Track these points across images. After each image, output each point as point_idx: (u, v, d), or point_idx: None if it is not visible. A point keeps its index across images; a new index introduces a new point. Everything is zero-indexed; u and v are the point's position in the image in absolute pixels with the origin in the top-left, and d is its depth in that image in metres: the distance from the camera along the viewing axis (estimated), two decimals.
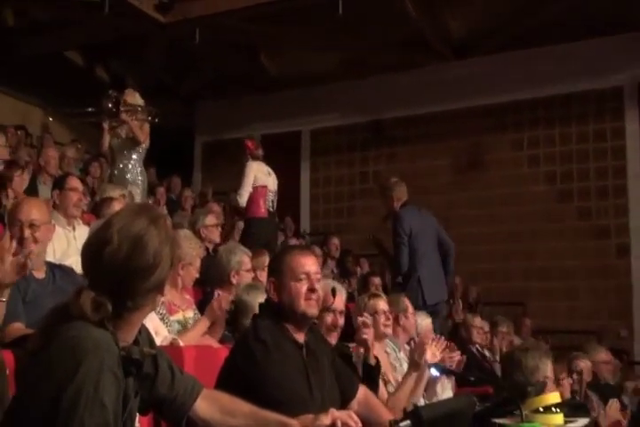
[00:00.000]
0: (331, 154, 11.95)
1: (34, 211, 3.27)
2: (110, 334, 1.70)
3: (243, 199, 6.78)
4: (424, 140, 11.16)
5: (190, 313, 4.05)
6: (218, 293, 4.11)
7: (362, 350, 3.51)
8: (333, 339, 3.55)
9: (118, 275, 1.71)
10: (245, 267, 4.65)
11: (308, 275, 2.64)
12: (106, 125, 6.43)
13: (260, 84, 11.93)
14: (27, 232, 3.19)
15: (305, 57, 11.22)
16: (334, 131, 11.95)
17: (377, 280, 7.19)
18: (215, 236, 5.84)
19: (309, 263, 2.67)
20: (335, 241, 8.85)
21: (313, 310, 2.65)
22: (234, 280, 4.59)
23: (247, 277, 4.64)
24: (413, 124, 11.32)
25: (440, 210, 10.77)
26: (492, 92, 10.54)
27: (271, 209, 6.98)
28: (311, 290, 2.63)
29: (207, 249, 5.73)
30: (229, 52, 11.16)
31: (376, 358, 3.57)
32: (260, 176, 6.95)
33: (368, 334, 3.57)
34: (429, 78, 10.86)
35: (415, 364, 3.62)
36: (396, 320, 4.55)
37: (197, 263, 4.10)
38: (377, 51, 10.80)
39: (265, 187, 6.96)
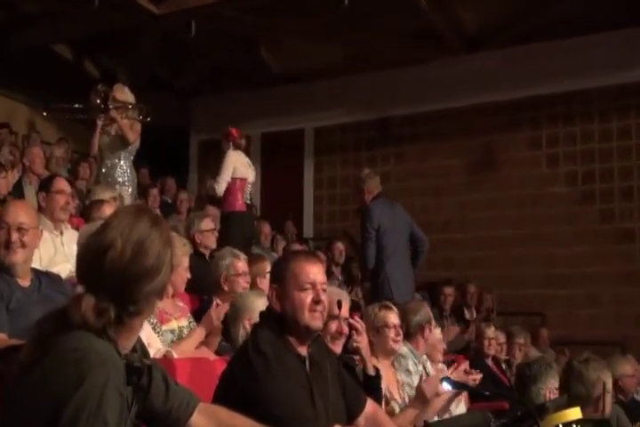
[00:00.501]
0: (335, 153, 11.95)
1: (22, 214, 3.27)
2: (112, 345, 1.71)
3: (221, 188, 6.87)
4: (434, 139, 11.15)
5: (184, 322, 4.02)
6: (216, 302, 4.09)
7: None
8: (338, 347, 3.55)
9: (121, 279, 1.73)
10: (235, 271, 4.60)
11: (313, 284, 2.62)
12: (100, 123, 6.43)
13: (260, 79, 11.94)
14: (14, 236, 3.18)
15: (308, 50, 11.23)
16: (339, 129, 11.94)
17: None
18: (211, 241, 5.82)
19: (315, 272, 2.65)
20: (340, 246, 8.85)
21: (317, 323, 2.63)
22: (225, 287, 4.56)
23: (240, 284, 4.59)
24: (422, 121, 11.31)
25: (452, 212, 10.81)
26: (507, 87, 10.53)
27: (248, 202, 7.10)
28: (316, 302, 2.61)
29: (203, 255, 5.73)
30: (227, 44, 11.17)
31: (376, 368, 3.56)
32: (239, 167, 7.03)
33: (360, 342, 3.56)
34: (440, 73, 10.86)
35: (424, 400, 3.53)
36: (421, 332, 4.54)
37: (186, 263, 4.07)
38: (384, 44, 10.80)
39: (244, 179, 7.06)
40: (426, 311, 4.69)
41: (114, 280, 1.73)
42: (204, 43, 10.67)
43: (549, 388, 3.63)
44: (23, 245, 3.23)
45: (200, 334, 3.76)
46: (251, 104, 12.09)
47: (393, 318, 4.20)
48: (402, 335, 4.24)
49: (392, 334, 4.14)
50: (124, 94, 6.56)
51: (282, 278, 2.64)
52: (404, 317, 4.98)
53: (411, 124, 11.42)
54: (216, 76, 12.14)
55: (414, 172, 11.22)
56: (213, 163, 7.09)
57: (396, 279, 6.23)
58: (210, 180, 7.02)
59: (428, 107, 11.10)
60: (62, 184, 4.81)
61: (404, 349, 4.87)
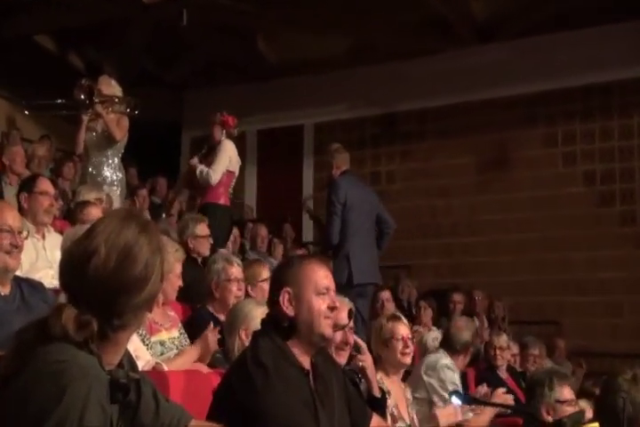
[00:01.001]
0: None
1: (17, 216, 3.33)
2: (96, 358, 1.69)
3: (217, 176, 6.85)
4: (442, 136, 11.16)
5: (175, 333, 4.00)
6: (212, 323, 4.06)
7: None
8: (343, 358, 3.55)
9: (105, 290, 1.72)
10: (227, 277, 4.54)
11: (328, 290, 2.63)
12: (85, 119, 6.41)
13: (257, 71, 11.95)
14: (19, 240, 3.24)
15: (308, 41, 11.24)
16: (341, 125, 11.95)
17: (386, 295, 7.19)
18: (204, 249, 5.78)
19: (329, 277, 2.66)
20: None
21: (330, 332, 2.63)
22: (216, 293, 4.54)
23: (232, 290, 4.52)
24: (431, 117, 11.32)
25: (461, 215, 10.82)
26: (520, 80, 10.53)
27: (231, 196, 7.19)
28: (331, 308, 2.61)
29: (195, 260, 5.72)
30: (221, 35, 11.19)
31: (382, 390, 3.56)
32: (233, 159, 7.04)
33: (365, 361, 3.56)
34: (448, 66, 10.87)
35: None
36: (465, 352, 4.58)
37: (178, 270, 4.04)
38: (389, 34, 10.81)
39: (233, 173, 7.08)
40: (474, 331, 4.77)
41: (97, 290, 1.72)
42: (196, 33, 10.70)
43: (560, 400, 3.63)
44: (21, 250, 3.31)
45: (194, 353, 3.73)
46: (246, 98, 12.09)
47: (402, 329, 4.20)
48: (412, 348, 4.23)
49: (400, 346, 4.14)
50: (111, 87, 6.53)
51: (296, 281, 2.61)
52: (449, 333, 5.06)
53: (417, 121, 11.44)
54: (209, 69, 12.16)
55: (421, 171, 11.23)
56: (205, 161, 7.07)
57: (357, 258, 6.30)
58: (200, 165, 6.95)
59: (435, 102, 11.12)
60: (46, 185, 4.80)
61: (446, 360, 4.89)
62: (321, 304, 2.59)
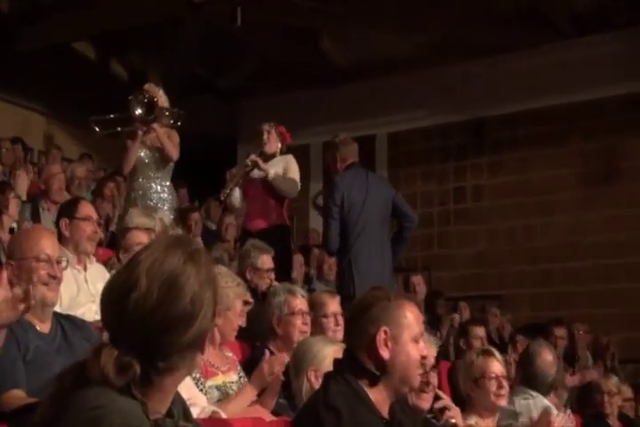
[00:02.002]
0: (415, 164, 11.97)
1: (47, 244, 3.42)
2: (140, 404, 1.71)
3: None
4: (539, 144, 11.09)
5: (233, 376, 4.03)
6: (267, 351, 4.11)
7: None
8: (426, 402, 3.55)
9: (147, 327, 1.72)
10: (291, 310, 4.57)
11: (421, 337, 2.67)
12: (140, 133, 6.56)
13: (321, 76, 12.04)
14: (55, 269, 3.34)
15: (380, 39, 11.29)
16: (419, 134, 11.97)
17: (481, 332, 7.15)
18: (264, 283, 5.83)
19: (421, 322, 2.70)
20: (416, 280, 8.84)
21: (417, 383, 2.68)
22: (278, 330, 4.59)
23: (297, 325, 4.55)
24: (524, 122, 11.26)
25: (564, 235, 10.69)
26: (631, 77, 10.41)
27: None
28: (423, 357, 2.67)
29: (254, 292, 5.79)
30: (280, 36, 11.31)
31: None
32: None
33: (454, 416, 3.55)
34: (544, 62, 10.82)
35: None
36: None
37: (239, 307, 4.09)
38: (475, 29, 10.81)
39: None
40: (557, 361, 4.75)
41: (138, 328, 1.72)
42: (252, 34, 10.83)
43: None
44: (60, 282, 3.41)
45: (250, 393, 3.76)
46: (310, 107, 12.21)
47: (495, 366, 4.19)
48: (507, 388, 4.21)
49: (494, 387, 4.13)
50: (161, 97, 6.70)
51: (395, 322, 2.62)
52: (533, 368, 5.01)
53: (510, 127, 11.40)
54: (268, 75, 12.28)
55: (514, 186, 11.16)
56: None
57: (361, 264, 6.27)
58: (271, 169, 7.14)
59: (529, 104, 11.07)
60: (88, 209, 4.88)
61: (545, 401, 4.85)
62: (416, 352, 2.62)
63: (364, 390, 2.57)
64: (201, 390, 3.73)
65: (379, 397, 2.59)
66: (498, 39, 10.92)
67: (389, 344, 2.59)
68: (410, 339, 2.61)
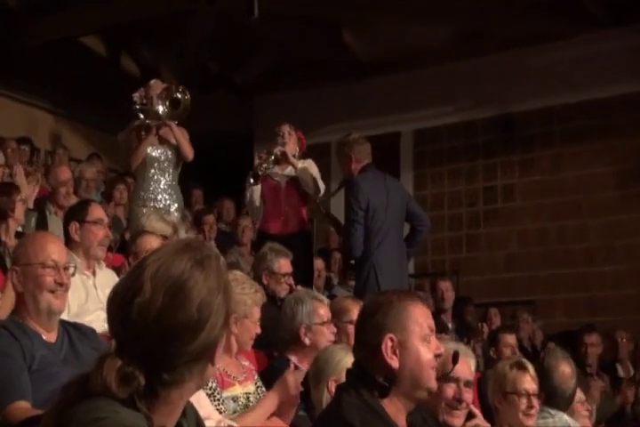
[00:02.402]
0: (442, 163, 11.97)
1: (64, 250, 3.47)
2: (144, 418, 1.70)
3: None
4: (573, 141, 11.05)
5: (251, 387, 4.04)
6: (293, 363, 4.11)
7: None
8: (457, 420, 3.51)
9: (151, 336, 1.71)
10: (320, 319, 4.62)
11: (432, 332, 2.65)
12: (154, 128, 6.63)
13: (342, 70, 12.06)
14: (62, 276, 3.37)
15: (403, 32, 11.30)
16: (446, 131, 11.96)
17: (512, 339, 7.13)
18: (282, 289, 5.86)
19: (431, 317, 2.68)
20: (444, 285, 8.81)
21: (436, 384, 2.65)
22: (306, 340, 4.61)
23: (326, 335, 4.61)
24: (558, 117, 11.23)
25: (599, 236, 10.64)
26: None
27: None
28: (437, 356, 2.63)
29: (271, 298, 5.80)
30: (300, 29, 11.31)
31: None
32: None
33: None
34: (579, 54, 10.79)
35: None
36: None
37: (257, 315, 4.12)
38: (505, 18, 10.78)
39: None
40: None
41: (142, 337, 1.71)
42: (269, 27, 10.85)
43: None
44: (67, 289, 3.43)
45: (271, 404, 3.77)
46: (330, 103, 12.22)
47: (528, 383, 4.14)
48: (537, 408, 4.15)
49: (524, 405, 4.09)
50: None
51: (401, 326, 2.60)
52: (552, 382, 4.94)
53: (541, 122, 11.37)
54: (285, 69, 12.31)
55: (547, 185, 11.13)
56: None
57: (385, 271, 6.31)
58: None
59: (563, 98, 11.05)
60: (99, 212, 4.90)
61: (570, 422, 4.79)
62: (427, 353, 2.60)
63: (378, 401, 2.56)
64: (217, 400, 3.74)
65: (392, 408, 2.57)
66: (529, 30, 10.89)
67: (397, 352, 2.57)
68: (419, 341, 2.59)
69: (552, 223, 10.88)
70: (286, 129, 7.42)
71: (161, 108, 6.60)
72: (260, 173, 7.22)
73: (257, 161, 7.33)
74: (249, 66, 12.58)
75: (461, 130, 11.89)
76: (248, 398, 3.98)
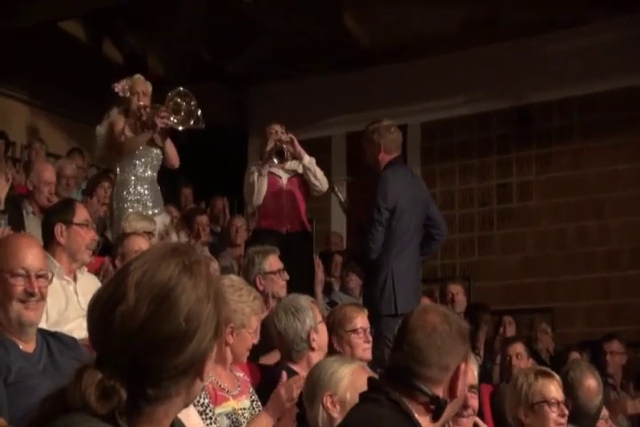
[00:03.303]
0: (452, 158, 11.97)
1: (39, 256, 3.44)
2: None
3: None
4: (594, 135, 11.06)
5: (245, 402, 4.04)
6: (285, 373, 4.10)
7: None
8: None
9: (134, 347, 1.70)
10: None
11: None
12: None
13: (345, 58, 12.08)
14: (35, 285, 3.34)
15: (410, 17, 11.31)
16: (457, 124, 11.97)
17: (519, 347, 7.15)
18: (279, 287, 5.87)
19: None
20: (455, 288, 8.83)
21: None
22: (314, 345, 4.58)
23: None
24: (577, 109, 11.24)
25: (623, 238, 10.64)
26: None
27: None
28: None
29: (268, 304, 5.81)
30: (297, 13, 11.32)
31: None
32: None
33: None
34: (600, 41, 10.79)
35: None
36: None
37: (254, 324, 4.11)
38: (519, 3, 10.80)
39: None
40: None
41: (125, 348, 1.69)
42: (265, 11, 10.86)
43: None
44: (42, 298, 3.39)
45: (265, 422, 3.78)
46: (331, 94, 12.23)
47: (555, 390, 4.18)
48: (567, 416, 4.19)
49: (555, 413, 4.12)
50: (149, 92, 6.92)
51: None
52: (576, 398, 4.94)
53: (560, 115, 11.38)
54: (282, 57, 12.31)
55: (566, 182, 11.13)
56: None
57: (403, 279, 6.20)
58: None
59: (584, 89, 11.05)
60: (86, 213, 4.90)
61: None
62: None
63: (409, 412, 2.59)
64: (210, 418, 3.73)
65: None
66: (547, 14, 10.90)
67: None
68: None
69: (571, 224, 10.88)
70: (277, 128, 7.44)
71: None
72: (285, 151, 7.28)
73: (276, 136, 7.34)
74: (243, 54, 12.57)
75: (473, 123, 11.89)
76: (243, 414, 3.96)
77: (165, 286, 1.72)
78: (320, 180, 7.29)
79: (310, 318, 4.61)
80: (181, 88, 6.80)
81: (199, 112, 6.73)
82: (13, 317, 3.31)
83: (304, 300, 4.85)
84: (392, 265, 6.23)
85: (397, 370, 2.69)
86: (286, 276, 5.96)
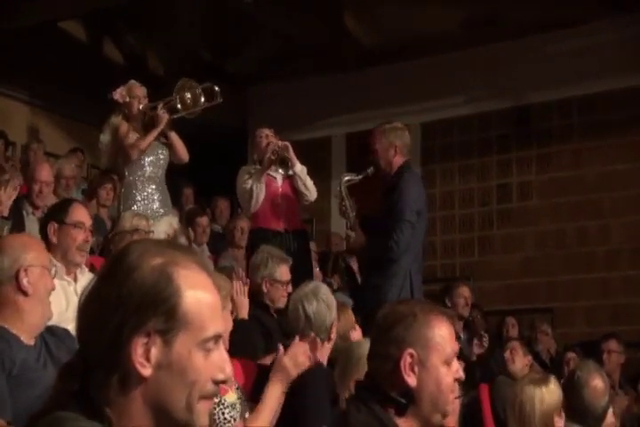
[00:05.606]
0: (452, 158, 11.98)
1: (45, 253, 3.61)
2: None
3: None
4: (595, 134, 11.07)
5: (232, 397, 4.06)
6: (282, 347, 4.12)
7: None
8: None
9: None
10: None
11: (455, 355, 2.66)
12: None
13: (344, 58, 12.08)
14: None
15: (410, 17, 11.31)
16: (457, 124, 11.98)
17: (515, 346, 7.19)
18: (281, 297, 5.87)
19: (454, 338, 2.67)
20: (464, 291, 8.79)
21: (451, 409, 2.66)
22: (332, 334, 4.61)
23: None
24: (578, 109, 11.25)
25: (623, 238, 10.65)
26: None
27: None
28: (457, 379, 2.64)
29: (267, 307, 5.85)
30: (298, 12, 11.33)
31: None
32: None
33: None
34: (601, 40, 10.79)
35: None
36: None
37: (229, 306, 4.19)
38: (519, 2, 10.80)
39: None
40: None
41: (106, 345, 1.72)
42: (265, 11, 10.87)
43: None
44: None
45: (276, 392, 3.84)
46: (331, 93, 12.23)
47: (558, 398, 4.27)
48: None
49: (559, 423, 4.23)
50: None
51: (422, 342, 2.59)
52: (581, 398, 4.95)
53: (560, 114, 11.39)
54: (282, 57, 12.32)
55: (566, 182, 11.14)
56: None
57: (417, 283, 6.29)
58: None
59: (584, 89, 11.06)
60: (81, 214, 4.84)
61: None
62: (448, 375, 2.59)
63: (393, 420, 2.55)
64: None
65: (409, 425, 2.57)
66: (547, 14, 10.90)
67: (416, 369, 2.55)
68: (440, 362, 2.57)
69: (572, 224, 10.89)
70: (268, 132, 7.49)
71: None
72: (287, 160, 7.36)
73: (267, 140, 7.41)
74: (243, 54, 12.59)
75: (473, 123, 11.90)
76: (229, 411, 3.93)
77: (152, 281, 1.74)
78: (310, 189, 7.32)
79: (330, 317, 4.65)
80: (179, 81, 6.87)
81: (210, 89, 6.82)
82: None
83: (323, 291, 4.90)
84: (412, 269, 6.29)
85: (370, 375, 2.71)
86: (290, 289, 5.90)
